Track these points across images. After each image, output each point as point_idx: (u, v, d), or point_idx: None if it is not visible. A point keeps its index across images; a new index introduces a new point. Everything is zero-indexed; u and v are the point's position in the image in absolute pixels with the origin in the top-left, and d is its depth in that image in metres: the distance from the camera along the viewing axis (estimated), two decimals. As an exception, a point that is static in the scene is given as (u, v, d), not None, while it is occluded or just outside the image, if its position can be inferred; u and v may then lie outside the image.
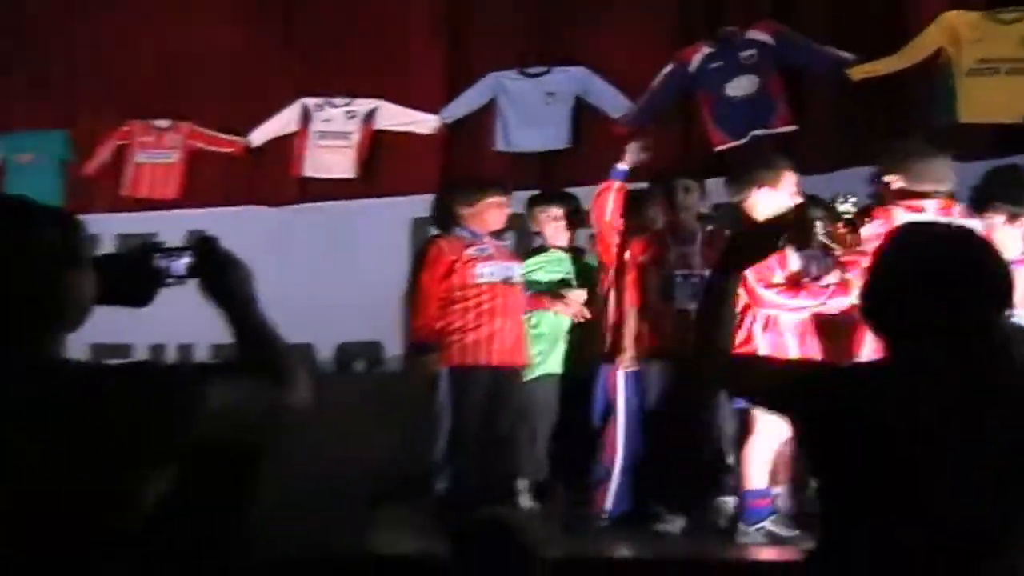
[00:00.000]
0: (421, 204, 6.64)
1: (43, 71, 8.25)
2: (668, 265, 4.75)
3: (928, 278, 1.88)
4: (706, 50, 6.65)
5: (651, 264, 4.92)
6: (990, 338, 1.84)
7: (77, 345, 5.44)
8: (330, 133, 7.63)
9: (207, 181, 7.92)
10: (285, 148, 7.72)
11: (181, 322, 6.78)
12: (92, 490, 1.58)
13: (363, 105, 7.59)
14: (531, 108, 7.16)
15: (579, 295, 5.32)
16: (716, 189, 5.48)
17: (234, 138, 7.86)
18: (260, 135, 7.79)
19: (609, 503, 4.87)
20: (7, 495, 1.55)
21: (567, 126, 7.09)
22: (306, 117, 7.68)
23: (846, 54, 6.25)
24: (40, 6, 8.21)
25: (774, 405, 2.11)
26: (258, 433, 1.99)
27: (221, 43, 7.89)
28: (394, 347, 6.67)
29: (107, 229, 7.44)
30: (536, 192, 6.01)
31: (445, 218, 5.26)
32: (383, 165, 7.59)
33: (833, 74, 6.34)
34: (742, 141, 6.44)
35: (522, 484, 5.12)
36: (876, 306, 1.93)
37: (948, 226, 2.30)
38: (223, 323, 1.81)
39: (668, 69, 6.68)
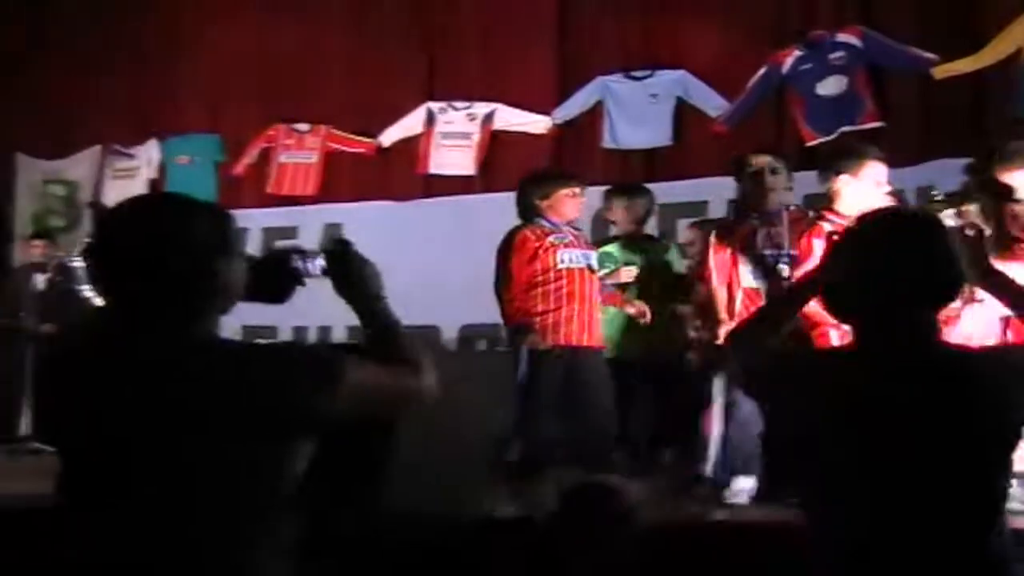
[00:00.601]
0: None
1: (196, 81, 8.73)
2: (757, 246, 4.62)
3: (882, 263, 1.87)
4: (798, 53, 6.79)
5: (741, 245, 4.80)
6: (927, 321, 1.85)
7: (230, 327, 6.19)
8: (452, 134, 7.88)
9: (342, 179, 8.29)
10: (411, 148, 8.01)
11: (322, 306, 7.45)
12: (244, 459, 1.68)
13: (482, 108, 7.84)
14: (635, 108, 7.33)
15: (629, 272, 5.44)
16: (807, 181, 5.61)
17: (366, 139, 8.18)
18: (389, 136, 8.10)
19: (708, 470, 4.81)
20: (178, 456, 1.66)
21: (669, 124, 7.25)
22: (430, 120, 7.95)
23: (929, 54, 6.34)
24: (192, 24, 8.69)
25: (757, 394, 2.15)
26: (390, 413, 2.08)
27: (355, 54, 8.31)
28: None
29: (254, 223, 7.98)
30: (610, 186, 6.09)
31: (527, 210, 5.28)
32: (500, 162, 7.78)
33: (917, 73, 6.43)
34: (832, 137, 6.55)
35: (620, 452, 5.07)
36: (836, 295, 1.92)
37: (902, 213, 2.28)
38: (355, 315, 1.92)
39: (762, 71, 6.86)
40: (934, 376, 1.79)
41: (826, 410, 1.80)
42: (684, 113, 7.25)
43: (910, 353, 1.81)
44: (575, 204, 5.27)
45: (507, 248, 5.28)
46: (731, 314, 4.62)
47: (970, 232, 2.03)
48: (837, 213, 4.34)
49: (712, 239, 4.96)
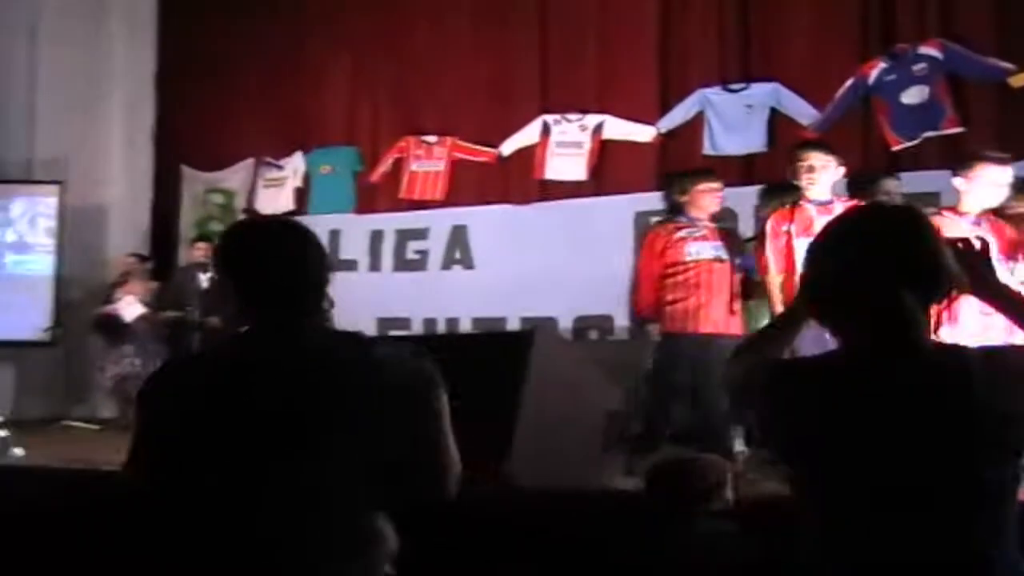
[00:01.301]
0: (642, 200, 7.33)
1: (336, 99, 9.11)
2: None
3: (855, 255, 1.74)
4: (882, 65, 6.93)
5: (801, 233, 4.86)
6: (901, 315, 1.70)
7: (367, 317, 7.15)
8: (565, 143, 8.09)
9: (467, 185, 8.53)
10: (529, 156, 8.24)
11: (450, 300, 8.08)
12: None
13: (593, 119, 8.02)
14: (733, 118, 7.48)
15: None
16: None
17: (488, 149, 8.44)
18: (509, 146, 8.36)
19: None
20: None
21: (763, 132, 7.40)
22: (546, 131, 8.17)
23: (1006, 64, 6.51)
24: (333, 48, 9.08)
25: (748, 405, 1.96)
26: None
27: (479, 72, 8.53)
28: (621, 319, 7.11)
29: (388, 225, 8.57)
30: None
31: (672, 205, 5.47)
32: (609, 169, 8.00)
33: (995, 81, 6.59)
34: (915, 142, 6.73)
35: (737, 430, 5.11)
36: (812, 292, 1.81)
37: (880, 206, 2.21)
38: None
39: (850, 82, 6.99)
40: (919, 374, 1.67)
41: (810, 415, 1.71)
42: (777, 121, 7.37)
43: (893, 350, 1.69)
44: (713, 199, 5.41)
45: (640, 247, 5.57)
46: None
47: (975, 241, 1.87)
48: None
49: (768, 227, 5.12)
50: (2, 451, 4.64)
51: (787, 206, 5.16)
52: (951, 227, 4.36)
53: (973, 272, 1.83)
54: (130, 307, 8.28)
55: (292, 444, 1.81)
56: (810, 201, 5.10)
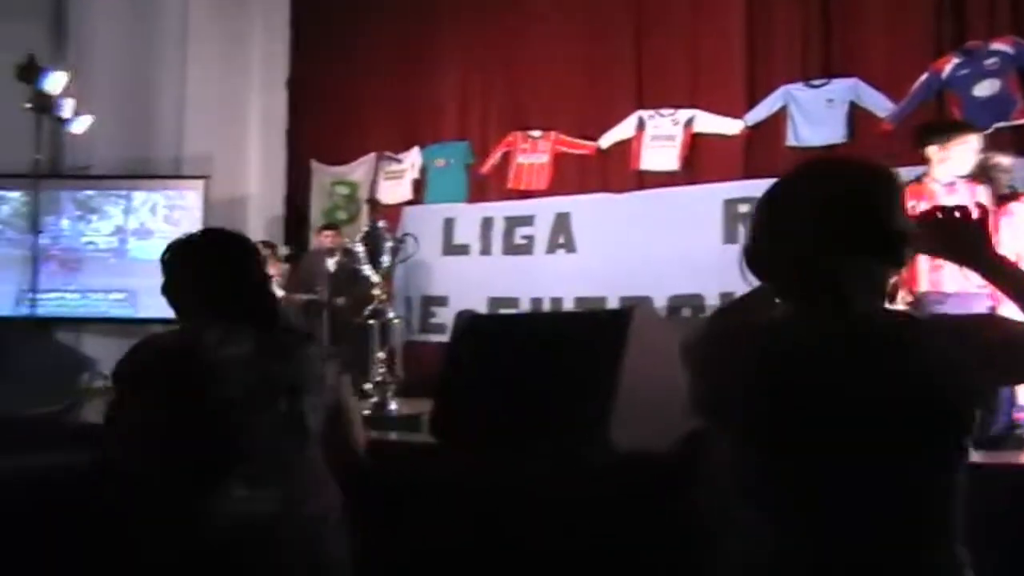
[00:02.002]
0: (729, 189, 7.63)
1: (450, 99, 9.51)
2: None
3: (795, 213, 1.58)
4: (955, 60, 7.09)
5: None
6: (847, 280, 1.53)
7: (479, 297, 7.97)
8: (659, 136, 8.29)
9: (569, 175, 8.78)
10: (625, 149, 8.45)
11: (554, 281, 8.52)
12: None
13: (684, 114, 8.24)
14: (815, 112, 7.64)
15: None
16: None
17: (588, 142, 8.68)
18: (607, 139, 8.58)
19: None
20: None
21: (844, 125, 7.54)
22: (641, 125, 8.40)
23: None
24: (445, 50, 9.49)
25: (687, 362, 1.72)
26: None
27: (579, 71, 8.78)
28: (712, 298, 7.23)
29: (498, 213, 8.91)
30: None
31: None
32: (700, 159, 8.18)
33: None
34: (987, 132, 6.53)
35: None
36: (752, 252, 1.64)
37: (833, 161, 1.94)
38: None
39: (924, 77, 7.18)
40: (841, 340, 1.51)
41: (723, 377, 1.60)
42: (856, 114, 7.51)
43: (817, 315, 1.54)
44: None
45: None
46: None
47: (976, 211, 1.68)
48: None
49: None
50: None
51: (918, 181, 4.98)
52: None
53: (977, 246, 1.65)
54: (270, 291, 8.91)
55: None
56: (936, 180, 4.97)
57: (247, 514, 2.17)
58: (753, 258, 1.63)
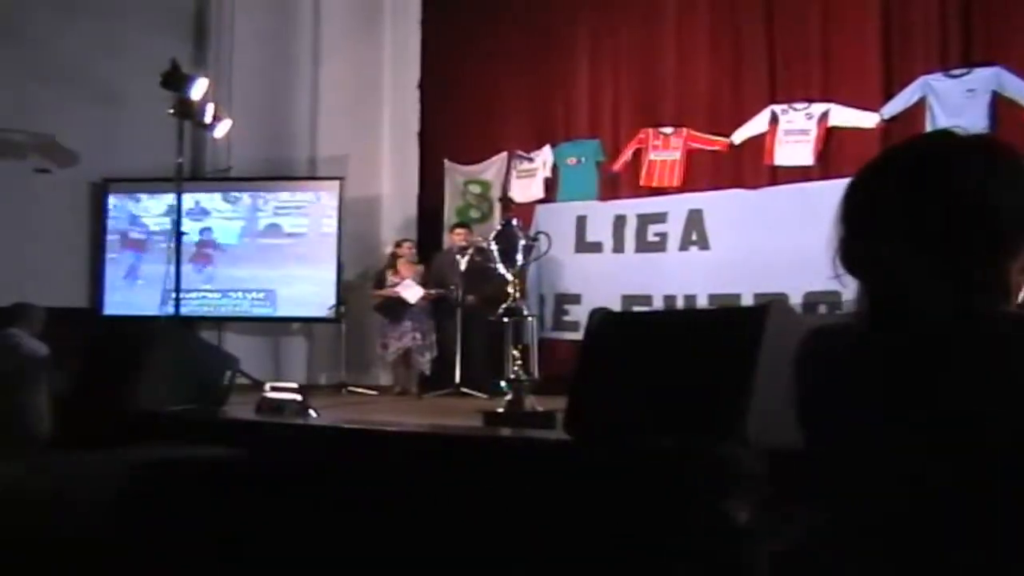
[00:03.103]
0: None
1: (580, 98, 9.73)
2: None
3: (890, 199, 1.40)
4: None
5: None
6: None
7: (613, 294, 8.05)
8: (793, 131, 8.33)
9: (702, 171, 8.88)
10: (758, 144, 8.52)
11: (688, 278, 8.60)
12: None
13: (818, 108, 8.27)
14: (954, 102, 7.55)
15: None
16: None
17: (720, 138, 8.78)
18: (740, 135, 8.68)
19: None
20: None
21: (985, 115, 7.41)
22: (774, 120, 8.46)
23: None
24: (577, 53, 9.65)
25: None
26: None
27: (710, 67, 8.93)
28: (849, 294, 7.62)
29: (630, 211, 8.99)
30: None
31: None
32: (835, 154, 8.15)
33: None
34: None
35: None
36: (843, 243, 1.47)
37: (931, 137, 1.62)
38: None
39: None
40: (970, 343, 1.32)
41: (808, 381, 1.50)
42: (999, 104, 7.43)
43: (883, 320, 1.40)
44: None
45: None
46: None
47: None
48: None
49: None
50: (302, 413, 4.90)
51: None
52: None
53: None
54: (410, 289, 9.18)
55: None
56: None
57: None
58: (847, 254, 1.45)
